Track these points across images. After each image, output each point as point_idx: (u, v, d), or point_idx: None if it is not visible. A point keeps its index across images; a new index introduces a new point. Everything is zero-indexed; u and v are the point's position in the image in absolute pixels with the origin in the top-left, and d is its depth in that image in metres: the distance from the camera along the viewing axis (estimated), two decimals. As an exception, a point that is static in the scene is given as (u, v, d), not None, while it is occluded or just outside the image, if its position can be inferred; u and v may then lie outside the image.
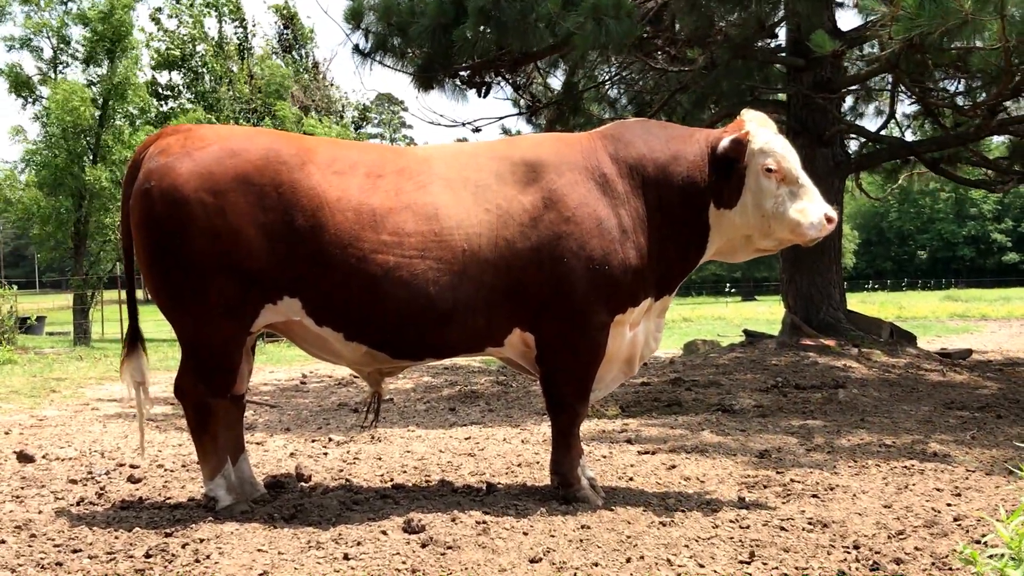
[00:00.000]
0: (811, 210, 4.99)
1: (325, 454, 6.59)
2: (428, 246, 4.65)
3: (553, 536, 4.25)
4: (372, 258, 4.57)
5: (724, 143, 4.95)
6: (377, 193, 4.67)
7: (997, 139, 17.13)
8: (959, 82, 13.46)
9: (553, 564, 3.84)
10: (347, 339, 4.74)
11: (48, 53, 29.80)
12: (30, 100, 29.19)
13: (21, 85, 28.73)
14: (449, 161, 4.94)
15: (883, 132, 14.37)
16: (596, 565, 3.83)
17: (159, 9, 34.64)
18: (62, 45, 29.70)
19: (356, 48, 12.18)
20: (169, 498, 5.14)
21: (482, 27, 10.55)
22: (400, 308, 4.63)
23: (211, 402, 4.69)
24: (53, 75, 29.29)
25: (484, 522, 4.42)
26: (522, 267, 4.76)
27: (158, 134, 4.81)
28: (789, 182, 5.00)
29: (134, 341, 4.99)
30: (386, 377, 5.25)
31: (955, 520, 4.50)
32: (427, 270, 4.63)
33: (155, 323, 40.20)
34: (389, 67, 12.18)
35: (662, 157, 5.05)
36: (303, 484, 5.46)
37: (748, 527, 4.43)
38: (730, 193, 5.02)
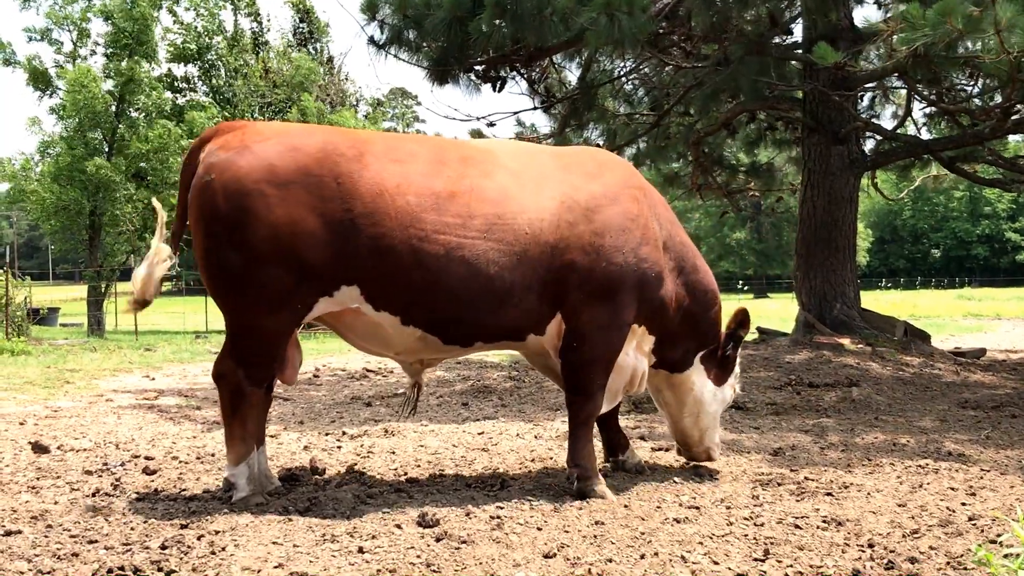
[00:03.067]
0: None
1: (339, 447, 6.60)
2: (491, 228, 4.79)
3: (567, 531, 4.25)
4: (434, 238, 4.67)
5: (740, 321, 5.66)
6: (439, 178, 4.80)
7: (1014, 138, 17.02)
8: (975, 83, 13.39)
9: (567, 559, 3.84)
10: (403, 324, 4.81)
11: (68, 47, 29.93)
12: (47, 93, 29.32)
13: (39, 77, 28.87)
14: (512, 153, 5.20)
15: (899, 130, 14.31)
16: (610, 561, 3.83)
17: (176, 1, 34.65)
18: (82, 39, 29.82)
19: (371, 40, 12.17)
20: (184, 490, 5.15)
21: (498, 21, 10.51)
22: (459, 289, 4.73)
23: (248, 389, 4.72)
24: (73, 68, 29.40)
25: (498, 517, 4.43)
26: (581, 249, 4.96)
27: (214, 130, 4.88)
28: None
29: None
30: (426, 368, 5.38)
31: (970, 519, 4.48)
32: (488, 251, 4.76)
33: (167, 315, 40.35)
34: (404, 60, 12.15)
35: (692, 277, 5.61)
36: (317, 477, 5.47)
37: (762, 525, 4.43)
38: (721, 374, 5.77)
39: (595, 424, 5.38)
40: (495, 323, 4.95)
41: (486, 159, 5.03)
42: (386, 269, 4.65)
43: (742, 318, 5.66)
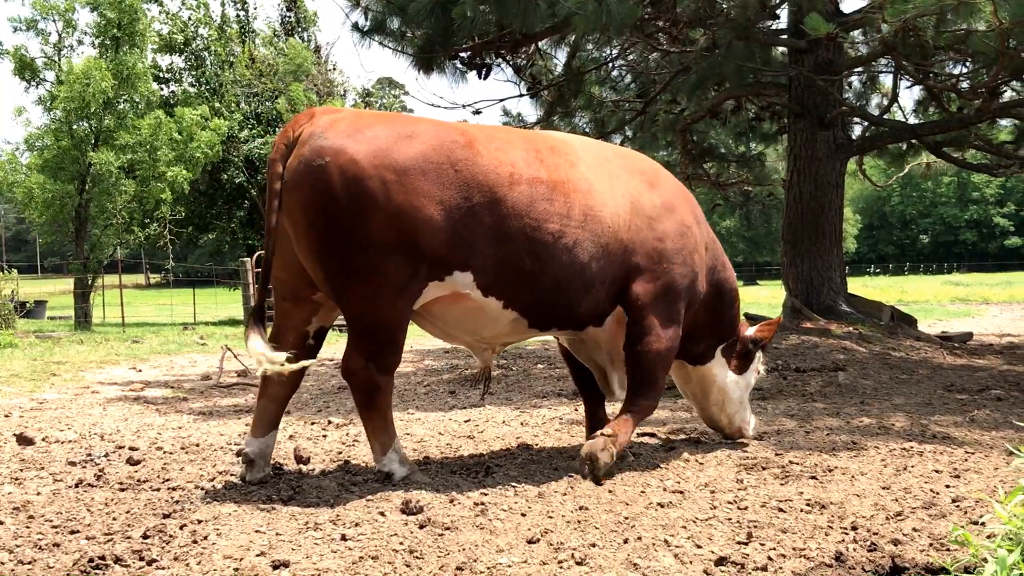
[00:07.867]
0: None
1: (324, 436, 6.59)
2: (587, 218, 4.96)
3: (551, 517, 4.24)
4: (545, 227, 4.79)
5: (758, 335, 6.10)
6: (543, 167, 4.90)
7: (1003, 123, 17.02)
8: (961, 64, 13.40)
9: (551, 544, 3.83)
10: (504, 307, 4.88)
11: (54, 37, 29.70)
12: (34, 83, 29.09)
13: (26, 67, 28.64)
14: (584, 147, 5.36)
15: (886, 116, 14.31)
16: (593, 546, 3.82)
17: None
18: (68, 29, 29.57)
19: (355, 26, 12.10)
20: (168, 480, 5.12)
21: (481, 6, 10.45)
22: (559, 275, 4.89)
23: (380, 380, 4.67)
24: (58, 59, 29.20)
25: (482, 503, 4.41)
26: (645, 253, 5.26)
27: (309, 114, 4.72)
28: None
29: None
30: (496, 353, 5.53)
31: (953, 501, 4.49)
32: (585, 240, 4.95)
33: (156, 307, 40.20)
34: (389, 48, 12.11)
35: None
36: (301, 466, 5.45)
37: (746, 508, 4.43)
38: (742, 364, 6.09)
39: (582, 408, 5.50)
40: (576, 310, 5.11)
41: (568, 150, 5.15)
42: (501, 256, 4.72)
43: (769, 331, 6.12)
